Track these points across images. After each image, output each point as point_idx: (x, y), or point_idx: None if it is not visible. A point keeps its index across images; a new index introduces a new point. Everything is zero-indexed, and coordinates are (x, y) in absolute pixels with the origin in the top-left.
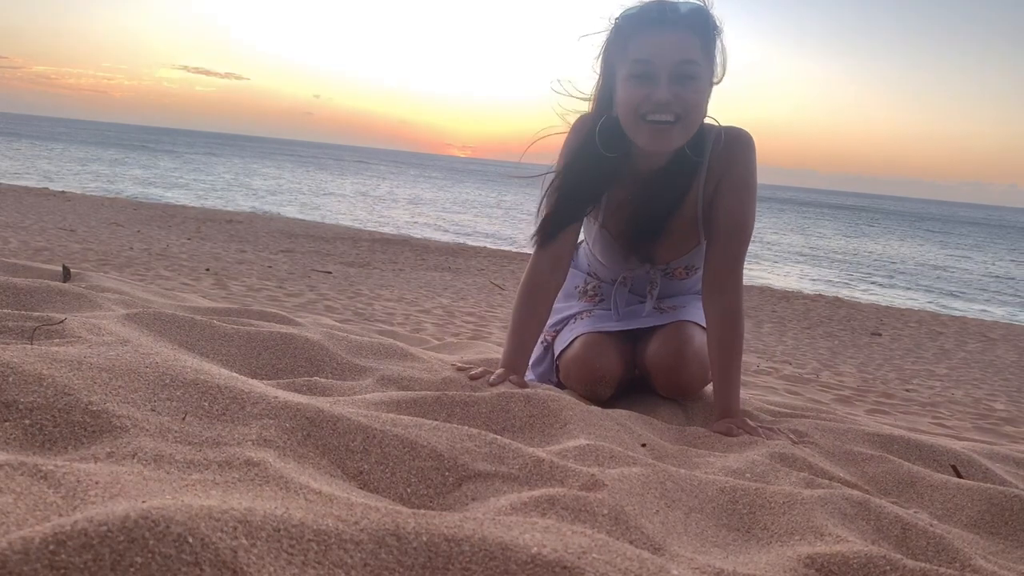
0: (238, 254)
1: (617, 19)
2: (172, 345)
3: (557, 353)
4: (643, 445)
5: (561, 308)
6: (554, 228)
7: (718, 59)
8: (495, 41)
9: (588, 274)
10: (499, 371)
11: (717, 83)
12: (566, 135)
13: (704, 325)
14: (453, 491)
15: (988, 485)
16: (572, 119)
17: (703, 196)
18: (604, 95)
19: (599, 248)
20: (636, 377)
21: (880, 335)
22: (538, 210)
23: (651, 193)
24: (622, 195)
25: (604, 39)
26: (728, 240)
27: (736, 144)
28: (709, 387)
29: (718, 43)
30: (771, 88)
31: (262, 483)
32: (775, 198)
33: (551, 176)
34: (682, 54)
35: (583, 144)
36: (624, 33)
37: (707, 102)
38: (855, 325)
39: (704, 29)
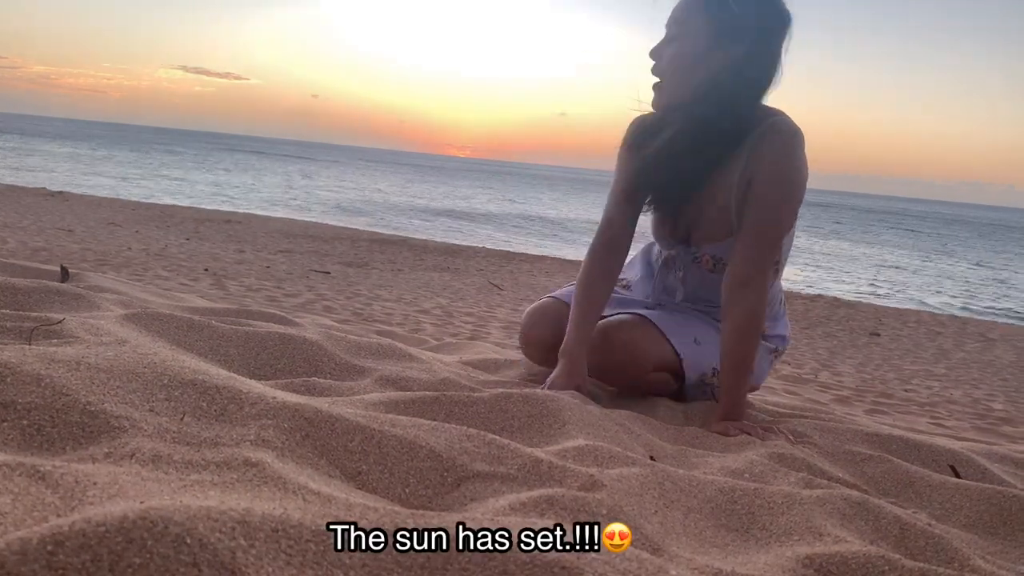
0: (236, 254)
1: None
2: (170, 345)
3: None
4: (651, 458)
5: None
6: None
7: (731, 20)
8: (495, 42)
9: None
10: (560, 367)
11: (746, 53)
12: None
13: (663, 329)
14: (452, 491)
15: (987, 485)
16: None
17: (737, 185)
18: None
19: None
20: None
21: (879, 335)
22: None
23: (679, 149)
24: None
25: None
26: (755, 237)
27: (774, 136)
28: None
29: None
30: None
31: (260, 483)
32: None
33: (628, 171)
34: (673, 15)
35: (641, 131)
36: None
37: (703, 62)
38: (854, 325)
39: None
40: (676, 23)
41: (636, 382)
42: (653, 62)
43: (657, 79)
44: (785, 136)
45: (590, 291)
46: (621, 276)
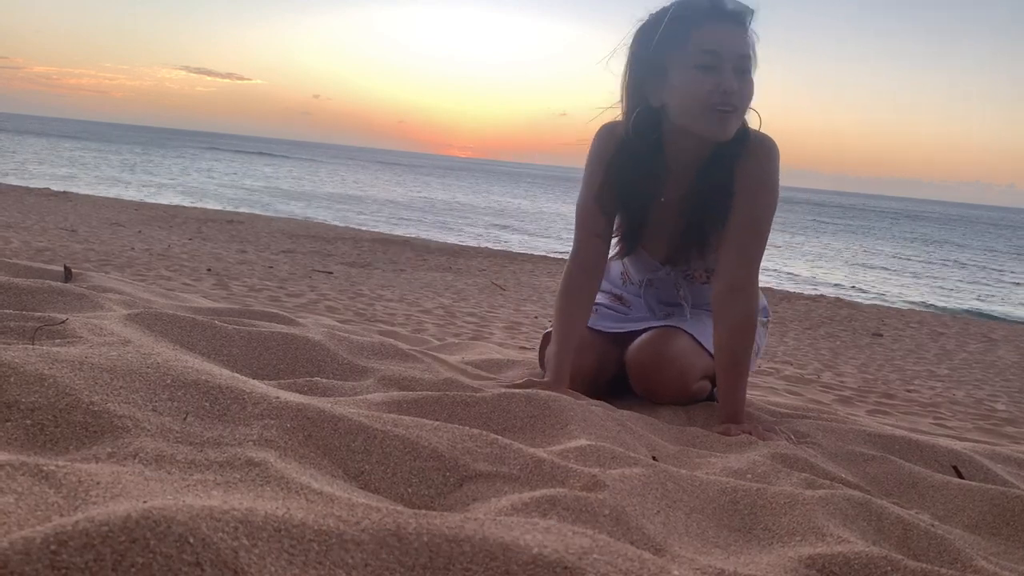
0: (239, 254)
1: (672, 10)
2: (173, 345)
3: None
4: (654, 458)
5: None
6: (633, 237)
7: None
8: (496, 42)
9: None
10: (546, 381)
11: None
12: (593, 143)
13: (695, 336)
14: (454, 491)
15: (989, 486)
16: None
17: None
18: (644, 86)
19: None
20: (620, 377)
21: (881, 336)
22: (578, 219)
23: (697, 204)
24: (661, 203)
25: (650, 30)
26: (743, 241)
27: (759, 149)
28: (697, 389)
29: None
30: (770, 87)
31: (263, 483)
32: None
33: (594, 184)
34: (743, 49)
35: (620, 148)
36: (684, 23)
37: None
38: (856, 326)
39: (750, 27)
40: (747, 58)
41: (683, 394)
42: (727, 91)
43: (732, 107)
44: (771, 150)
45: (570, 313)
46: (615, 291)
